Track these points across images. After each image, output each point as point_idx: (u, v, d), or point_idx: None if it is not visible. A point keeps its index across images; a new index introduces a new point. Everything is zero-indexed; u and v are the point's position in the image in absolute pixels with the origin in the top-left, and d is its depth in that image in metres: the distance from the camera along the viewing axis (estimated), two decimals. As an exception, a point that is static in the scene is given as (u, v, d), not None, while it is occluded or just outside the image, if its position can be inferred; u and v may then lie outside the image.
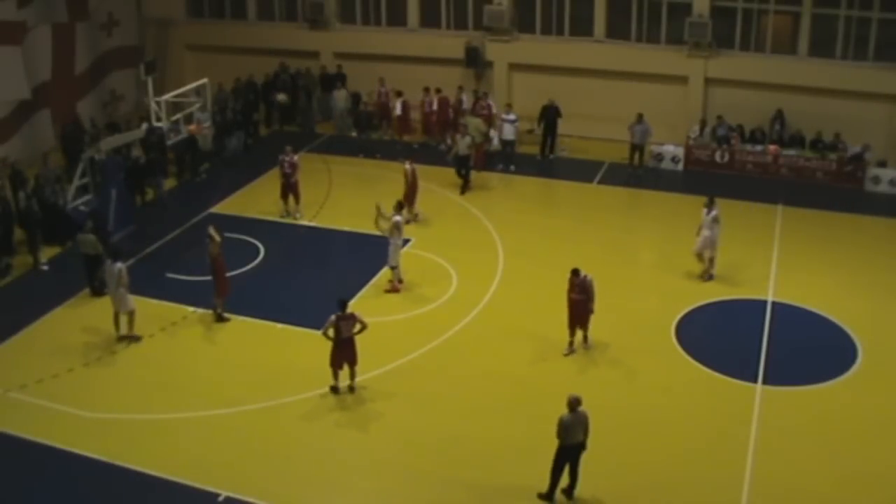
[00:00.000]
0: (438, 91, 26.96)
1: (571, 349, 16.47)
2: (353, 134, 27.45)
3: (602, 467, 13.25)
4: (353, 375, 15.32)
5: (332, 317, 14.86)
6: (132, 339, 17.08)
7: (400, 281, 18.74)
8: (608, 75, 26.85)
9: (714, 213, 18.68)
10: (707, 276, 19.05)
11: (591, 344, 16.59)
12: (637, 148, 25.26)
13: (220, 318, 17.63)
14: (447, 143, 25.59)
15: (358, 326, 15.00)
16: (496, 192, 24.11)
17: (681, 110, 26.36)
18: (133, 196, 22.47)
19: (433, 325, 17.50)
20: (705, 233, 18.78)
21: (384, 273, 19.04)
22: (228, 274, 17.79)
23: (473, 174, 23.84)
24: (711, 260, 19.00)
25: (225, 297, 17.62)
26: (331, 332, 14.88)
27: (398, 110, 27.03)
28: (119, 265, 16.80)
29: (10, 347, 16.95)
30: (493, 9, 27.33)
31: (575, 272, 16.21)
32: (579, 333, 16.52)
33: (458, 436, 14.35)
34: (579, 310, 16.21)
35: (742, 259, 20.04)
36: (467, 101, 26.82)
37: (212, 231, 17.51)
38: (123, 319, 17.06)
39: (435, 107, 26.94)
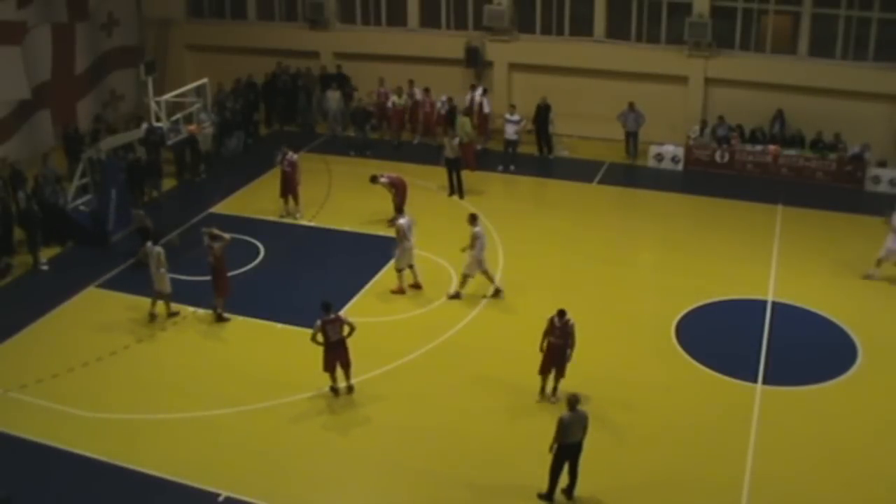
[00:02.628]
0: (473, 87, 26.99)
1: (543, 396, 15.03)
2: (353, 134, 27.40)
3: (602, 467, 13.25)
4: (348, 376, 15.29)
5: (318, 321, 14.83)
6: (172, 315, 17.79)
7: (415, 285, 18.66)
8: (608, 75, 26.84)
9: (475, 230, 17.83)
10: (495, 291, 18.34)
11: (559, 396, 14.72)
12: (631, 135, 25.96)
13: (220, 318, 17.64)
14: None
15: (346, 329, 14.95)
16: (496, 193, 24.11)
17: (681, 110, 26.37)
18: (133, 196, 22.47)
19: (433, 325, 17.49)
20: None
21: (385, 273, 19.04)
22: (229, 274, 17.79)
23: (467, 174, 23.80)
24: (486, 273, 18.19)
25: (226, 298, 17.63)
26: (319, 338, 14.85)
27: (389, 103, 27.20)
28: (158, 248, 17.37)
29: (10, 347, 16.95)
30: (493, 9, 27.33)
31: (561, 313, 14.70)
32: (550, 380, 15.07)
33: (458, 436, 14.36)
34: (556, 355, 14.74)
35: (742, 259, 20.04)
36: (445, 103, 26.84)
37: (217, 230, 17.54)
38: (161, 300, 17.70)
39: (445, 108, 26.91)
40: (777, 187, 23.94)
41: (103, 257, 20.18)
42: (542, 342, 14.81)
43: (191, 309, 18.04)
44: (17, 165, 21.96)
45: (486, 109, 26.56)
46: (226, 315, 17.68)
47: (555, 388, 15.03)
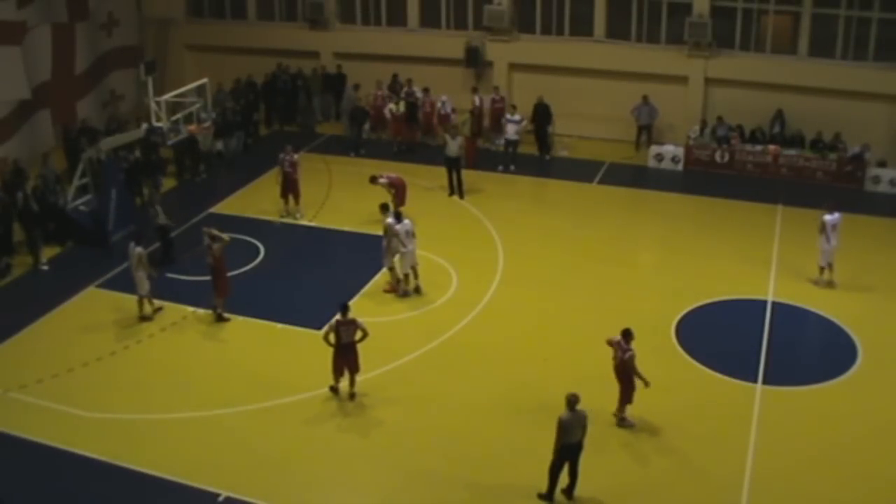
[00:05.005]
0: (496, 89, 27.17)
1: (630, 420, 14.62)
2: (348, 133, 27.39)
3: (602, 467, 13.26)
4: (352, 382, 15.25)
5: (333, 321, 14.83)
6: (144, 318, 17.66)
7: (398, 282, 18.72)
8: (608, 75, 26.86)
9: (386, 221, 18.21)
10: (403, 292, 18.46)
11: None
12: (644, 129, 26.29)
13: (220, 318, 17.64)
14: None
15: (359, 334, 14.90)
16: (496, 192, 24.09)
17: (681, 110, 26.37)
18: (133, 196, 22.49)
19: (433, 325, 17.50)
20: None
21: (385, 273, 19.03)
22: (228, 274, 17.80)
23: (466, 172, 23.79)
24: (409, 275, 18.45)
25: (225, 298, 17.62)
26: (331, 338, 14.84)
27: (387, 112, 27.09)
28: (138, 249, 17.31)
29: (10, 347, 16.95)
30: (493, 9, 27.33)
31: (629, 336, 14.20)
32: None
33: (458, 436, 14.36)
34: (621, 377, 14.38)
35: (742, 259, 20.04)
36: (448, 104, 26.94)
37: (216, 231, 17.53)
38: (143, 301, 17.69)
39: (449, 109, 27.00)
40: (777, 187, 23.94)
41: (103, 257, 20.18)
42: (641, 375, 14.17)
43: (190, 309, 18.04)
44: (20, 164, 21.99)
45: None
46: (226, 315, 17.68)
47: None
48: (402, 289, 18.56)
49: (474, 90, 27.02)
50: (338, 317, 14.88)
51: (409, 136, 26.91)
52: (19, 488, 13.25)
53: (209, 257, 17.36)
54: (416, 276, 18.68)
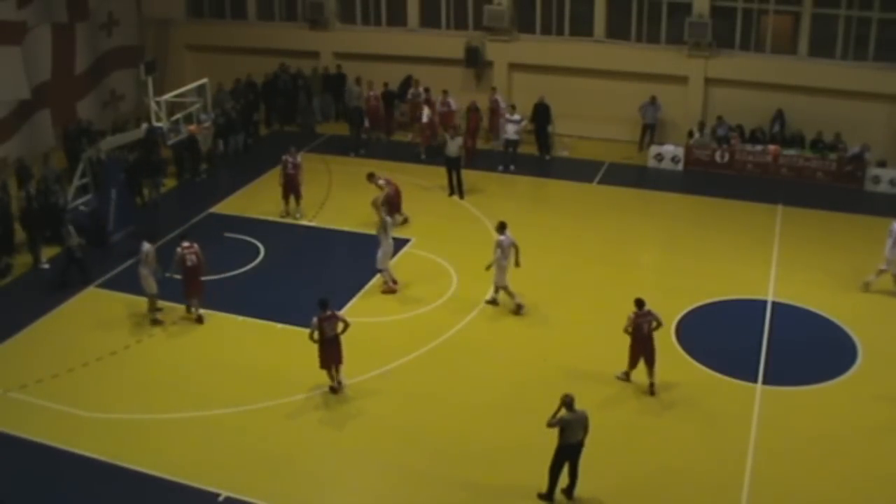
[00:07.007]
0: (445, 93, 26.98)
1: (627, 377, 15.49)
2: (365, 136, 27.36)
3: (602, 467, 13.26)
4: (338, 372, 15.34)
5: (315, 319, 14.89)
6: (154, 322, 17.54)
7: (394, 281, 18.72)
8: (608, 75, 26.86)
9: (498, 238, 17.68)
10: (517, 307, 17.88)
11: (657, 390, 15.34)
12: (649, 127, 26.38)
13: (199, 320, 17.59)
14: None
15: (341, 325, 15.03)
16: (496, 193, 24.09)
17: (681, 110, 26.38)
18: (133, 196, 22.49)
19: (433, 325, 17.49)
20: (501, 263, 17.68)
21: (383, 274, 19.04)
22: (229, 274, 17.81)
23: (466, 172, 23.76)
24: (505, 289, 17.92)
25: (201, 297, 17.64)
26: (316, 335, 14.91)
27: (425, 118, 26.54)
28: (147, 247, 17.28)
29: (10, 347, 16.95)
30: (493, 9, 27.34)
31: (640, 304, 15.07)
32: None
33: (458, 436, 14.36)
34: (651, 344, 15.15)
35: (742, 259, 20.04)
36: (454, 103, 26.90)
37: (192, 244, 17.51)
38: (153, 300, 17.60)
39: (453, 107, 26.94)
40: (777, 187, 23.95)
41: (103, 257, 20.17)
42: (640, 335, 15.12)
43: (191, 309, 18.01)
44: (25, 161, 21.94)
45: (503, 105, 26.57)
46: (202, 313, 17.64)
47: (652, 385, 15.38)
48: (518, 302, 17.96)
49: (444, 93, 26.88)
50: (319, 314, 14.92)
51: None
52: (19, 488, 13.25)
53: (193, 256, 17.25)
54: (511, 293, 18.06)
